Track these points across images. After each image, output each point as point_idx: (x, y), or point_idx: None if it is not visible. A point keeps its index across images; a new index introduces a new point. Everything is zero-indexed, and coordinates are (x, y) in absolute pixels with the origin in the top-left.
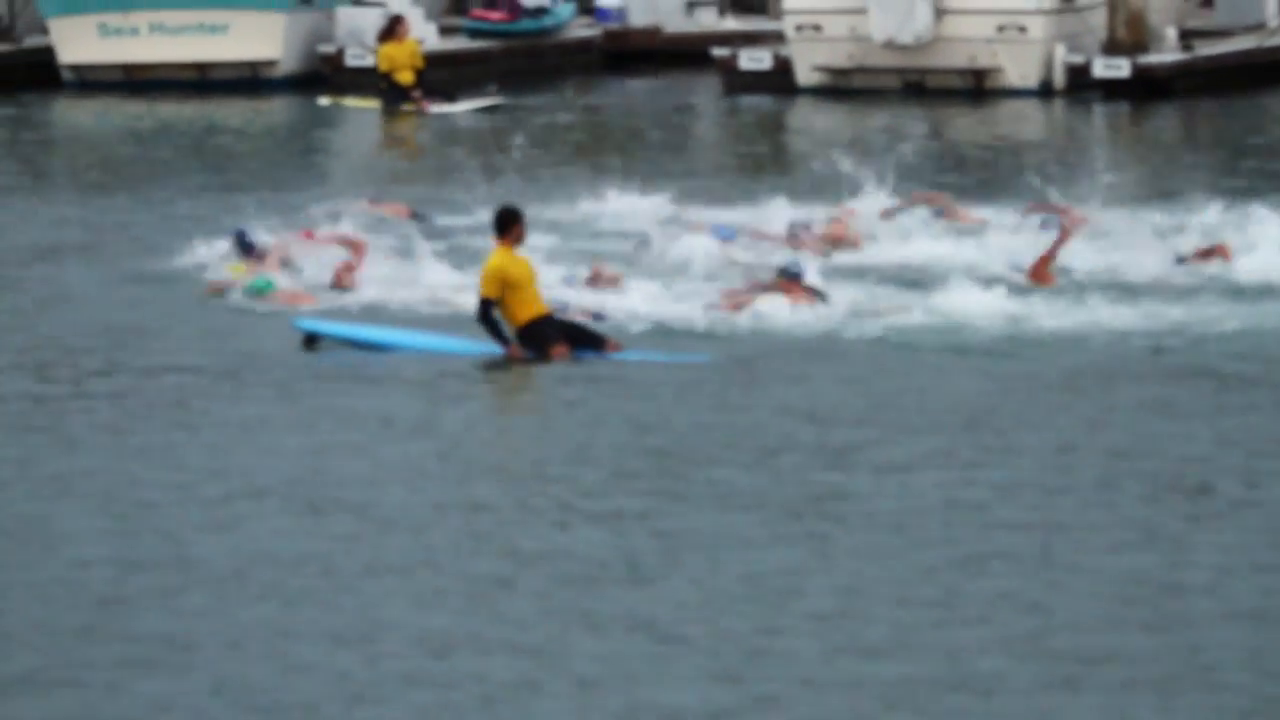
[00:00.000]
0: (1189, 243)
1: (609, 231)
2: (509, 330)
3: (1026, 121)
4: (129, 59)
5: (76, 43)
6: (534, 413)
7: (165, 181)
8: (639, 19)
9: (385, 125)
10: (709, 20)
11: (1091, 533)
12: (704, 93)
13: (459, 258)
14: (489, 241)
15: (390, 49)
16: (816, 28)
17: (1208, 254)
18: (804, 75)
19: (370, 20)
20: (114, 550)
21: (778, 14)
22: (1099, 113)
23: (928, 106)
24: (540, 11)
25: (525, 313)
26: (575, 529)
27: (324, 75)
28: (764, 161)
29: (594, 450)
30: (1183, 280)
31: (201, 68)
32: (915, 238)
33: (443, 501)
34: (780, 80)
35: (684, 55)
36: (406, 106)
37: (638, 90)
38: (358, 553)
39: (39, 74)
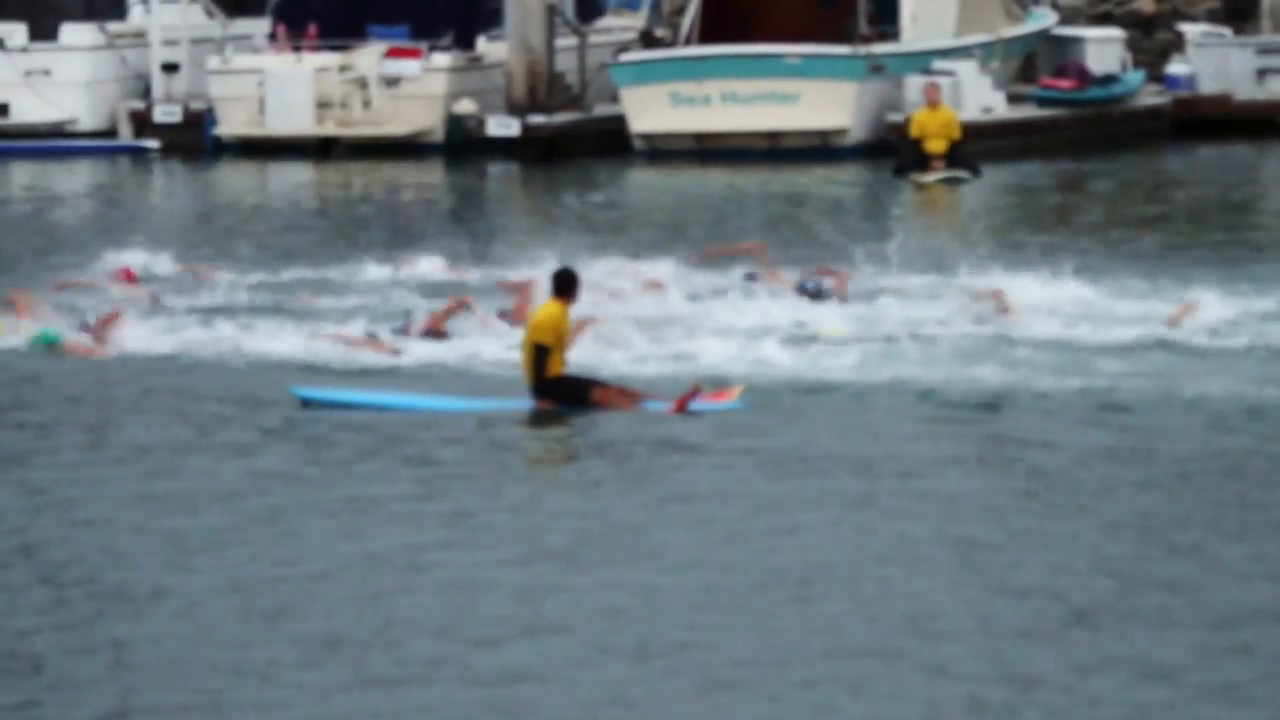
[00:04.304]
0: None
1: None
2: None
3: None
4: (701, 128)
5: (649, 112)
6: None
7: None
8: (1209, 86)
9: (913, 192)
10: None
11: None
12: (1275, 162)
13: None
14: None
15: (922, 116)
16: None
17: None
18: None
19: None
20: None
21: None
22: None
23: None
24: (1110, 79)
25: (557, 369)
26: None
27: (892, 144)
28: None
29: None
30: None
31: (772, 136)
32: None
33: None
34: None
35: (1255, 123)
36: (915, 176)
37: (1207, 159)
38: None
39: (608, 142)
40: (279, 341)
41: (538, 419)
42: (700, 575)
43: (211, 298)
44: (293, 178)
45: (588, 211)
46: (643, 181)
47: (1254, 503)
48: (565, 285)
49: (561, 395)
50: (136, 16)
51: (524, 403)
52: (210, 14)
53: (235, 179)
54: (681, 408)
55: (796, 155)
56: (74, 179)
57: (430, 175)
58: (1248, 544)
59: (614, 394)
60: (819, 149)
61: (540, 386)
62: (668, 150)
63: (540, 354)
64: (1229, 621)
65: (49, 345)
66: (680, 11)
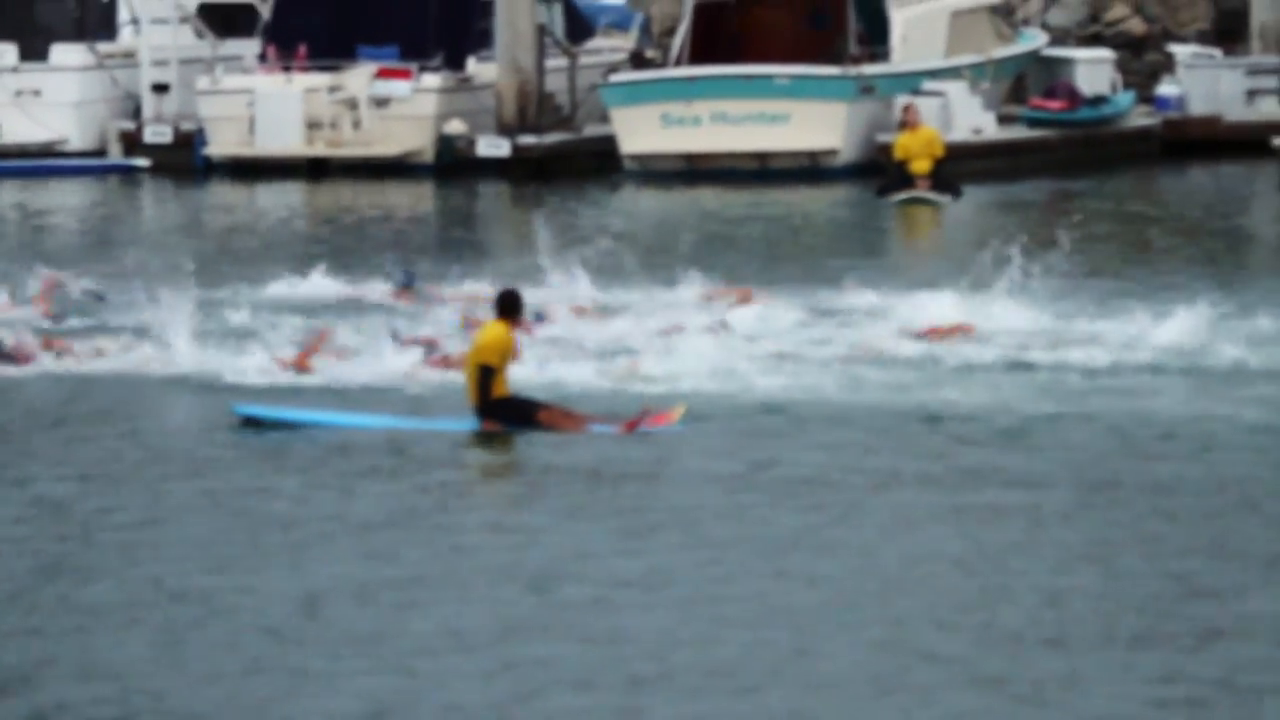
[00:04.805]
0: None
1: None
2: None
3: None
4: (691, 148)
5: (639, 132)
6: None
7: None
8: (1198, 107)
9: (898, 211)
10: (1270, 109)
11: None
12: (1264, 183)
13: None
14: None
15: (905, 138)
16: None
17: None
18: None
19: (930, 108)
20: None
21: None
22: None
23: None
24: (1100, 100)
25: (502, 390)
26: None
27: (881, 164)
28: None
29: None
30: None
31: (762, 157)
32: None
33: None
34: None
35: (1245, 144)
36: (896, 196)
37: (1197, 180)
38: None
39: (598, 162)
40: (216, 361)
41: (488, 440)
42: (670, 596)
43: (133, 314)
44: (282, 198)
45: (578, 232)
46: (633, 202)
47: (1235, 525)
48: (510, 306)
49: (507, 416)
50: (126, 37)
51: (469, 422)
52: (200, 34)
53: (225, 199)
54: (631, 430)
55: (786, 176)
56: (63, 198)
57: (420, 196)
58: (1232, 563)
59: (559, 415)
60: (809, 170)
61: (485, 407)
62: (658, 171)
63: (485, 375)
64: (1211, 641)
65: None
66: (670, 32)
